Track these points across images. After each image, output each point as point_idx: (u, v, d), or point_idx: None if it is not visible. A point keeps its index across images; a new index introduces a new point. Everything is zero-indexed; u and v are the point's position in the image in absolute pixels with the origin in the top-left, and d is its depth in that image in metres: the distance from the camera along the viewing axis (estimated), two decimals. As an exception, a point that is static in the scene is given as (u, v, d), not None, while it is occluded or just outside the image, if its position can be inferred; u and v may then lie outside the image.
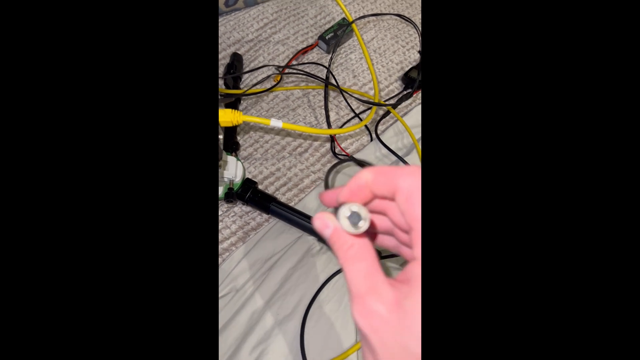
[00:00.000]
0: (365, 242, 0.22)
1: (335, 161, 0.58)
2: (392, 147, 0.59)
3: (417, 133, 0.60)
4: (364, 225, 0.21)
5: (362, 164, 0.56)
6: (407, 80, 0.65)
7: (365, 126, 0.61)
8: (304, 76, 0.64)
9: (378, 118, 0.62)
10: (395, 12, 0.73)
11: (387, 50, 0.70)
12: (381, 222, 0.24)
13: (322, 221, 0.23)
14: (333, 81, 0.63)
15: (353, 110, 0.62)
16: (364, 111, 0.62)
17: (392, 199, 0.22)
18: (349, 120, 0.62)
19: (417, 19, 0.74)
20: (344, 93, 0.61)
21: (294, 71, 0.56)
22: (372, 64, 0.50)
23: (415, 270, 0.20)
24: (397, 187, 0.21)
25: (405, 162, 0.58)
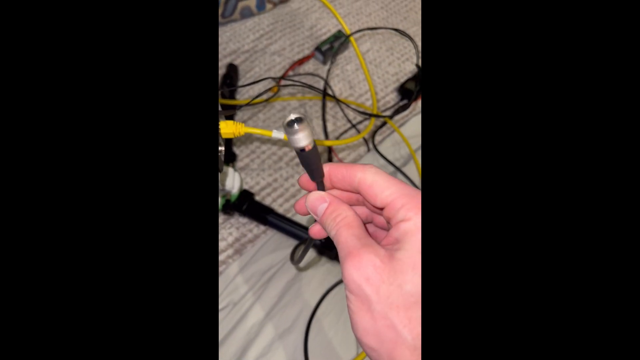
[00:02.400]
0: (357, 216, 0.24)
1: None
2: (389, 158, 0.59)
3: (414, 144, 0.61)
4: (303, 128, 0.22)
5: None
6: (404, 91, 0.65)
7: (363, 137, 0.61)
8: (301, 87, 0.64)
9: (375, 129, 0.62)
10: (391, 26, 0.74)
11: (382, 62, 0.71)
12: (361, 211, 0.27)
13: (320, 196, 0.25)
14: (330, 92, 0.63)
15: (350, 121, 0.62)
16: (360, 122, 0.63)
17: (356, 191, 0.24)
18: (345, 131, 0.62)
19: (412, 31, 0.75)
20: (341, 104, 0.61)
21: (292, 82, 0.56)
22: (369, 76, 0.50)
23: (402, 228, 0.22)
24: (357, 182, 0.24)
25: (403, 173, 0.58)
